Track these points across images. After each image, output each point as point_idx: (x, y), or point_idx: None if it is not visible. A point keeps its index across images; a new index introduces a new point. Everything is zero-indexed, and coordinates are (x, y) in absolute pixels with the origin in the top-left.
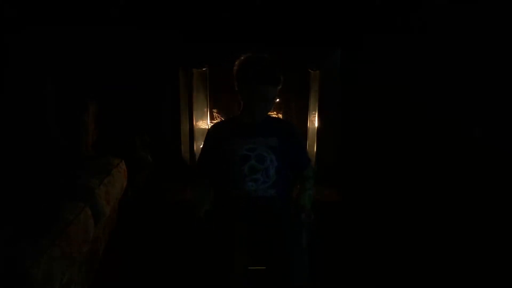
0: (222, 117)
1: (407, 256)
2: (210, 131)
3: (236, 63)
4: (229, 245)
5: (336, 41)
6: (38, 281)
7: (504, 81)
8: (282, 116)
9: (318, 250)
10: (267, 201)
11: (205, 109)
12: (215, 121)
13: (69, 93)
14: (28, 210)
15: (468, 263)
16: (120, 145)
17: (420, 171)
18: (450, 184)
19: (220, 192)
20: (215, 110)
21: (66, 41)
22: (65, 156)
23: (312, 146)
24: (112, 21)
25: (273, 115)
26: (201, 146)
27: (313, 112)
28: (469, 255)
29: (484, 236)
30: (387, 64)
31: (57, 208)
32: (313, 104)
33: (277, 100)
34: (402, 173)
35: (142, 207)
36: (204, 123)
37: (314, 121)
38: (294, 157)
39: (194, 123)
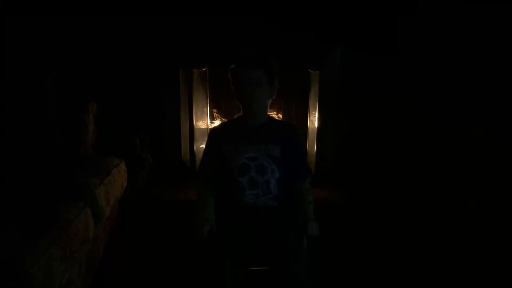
0: (222, 117)
1: (407, 256)
2: (211, 134)
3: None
4: (228, 245)
5: (336, 41)
6: (38, 281)
7: (504, 82)
8: (282, 116)
9: (318, 251)
10: (267, 210)
11: (205, 109)
12: (215, 122)
13: (69, 93)
14: (28, 210)
15: (470, 265)
16: (120, 145)
17: (421, 171)
18: (450, 184)
19: (220, 197)
20: (215, 110)
21: (67, 42)
22: (65, 156)
23: (312, 146)
24: (112, 20)
25: (273, 116)
26: (201, 146)
27: (313, 112)
28: (471, 256)
29: (484, 237)
30: (387, 64)
31: (57, 208)
32: (313, 104)
33: (274, 94)
34: (403, 173)
35: (142, 207)
36: (204, 123)
37: (314, 121)
38: (294, 167)
39: (194, 123)
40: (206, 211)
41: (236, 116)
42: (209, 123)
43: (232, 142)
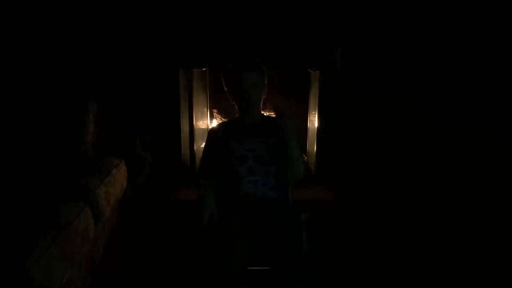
0: (222, 117)
1: (408, 256)
2: (210, 133)
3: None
4: (228, 245)
5: (336, 40)
6: (38, 281)
7: (504, 82)
8: None
9: (318, 251)
10: (265, 202)
11: (205, 109)
12: (215, 122)
13: (69, 93)
14: (29, 210)
15: (470, 264)
16: (120, 145)
17: (421, 171)
18: (450, 183)
19: (220, 193)
20: (215, 110)
21: (66, 41)
22: (65, 156)
23: (312, 146)
24: (112, 20)
25: (272, 115)
26: (201, 146)
27: (313, 112)
28: (471, 256)
29: (484, 236)
30: (387, 64)
31: (57, 208)
32: (313, 104)
33: (265, 93)
34: (403, 173)
35: (142, 207)
36: (204, 123)
37: (314, 121)
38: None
39: (194, 123)
40: (206, 199)
41: (234, 116)
42: (209, 123)
43: (231, 138)
